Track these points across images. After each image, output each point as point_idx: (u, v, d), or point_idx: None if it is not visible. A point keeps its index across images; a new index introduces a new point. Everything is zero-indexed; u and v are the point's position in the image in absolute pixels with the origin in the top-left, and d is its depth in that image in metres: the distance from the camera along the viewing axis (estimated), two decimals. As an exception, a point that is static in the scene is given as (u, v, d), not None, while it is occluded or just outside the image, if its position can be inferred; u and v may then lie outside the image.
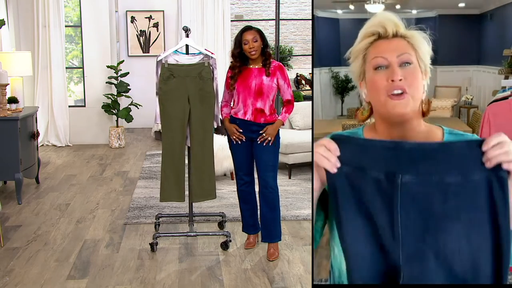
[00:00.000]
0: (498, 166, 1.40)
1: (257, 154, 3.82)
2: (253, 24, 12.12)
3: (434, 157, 1.41)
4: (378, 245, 1.46)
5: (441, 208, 1.41)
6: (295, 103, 6.92)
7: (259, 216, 3.99)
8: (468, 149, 1.41)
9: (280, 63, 3.87)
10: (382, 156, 1.44)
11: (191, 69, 3.83)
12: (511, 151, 1.40)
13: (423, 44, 1.60)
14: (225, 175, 6.05)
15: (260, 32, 3.76)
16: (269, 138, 3.75)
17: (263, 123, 3.77)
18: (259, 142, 3.77)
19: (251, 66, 3.78)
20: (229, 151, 3.98)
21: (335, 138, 1.51)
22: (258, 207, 3.98)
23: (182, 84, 3.81)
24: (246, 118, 3.78)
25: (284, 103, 3.82)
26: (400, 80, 1.55)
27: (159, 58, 3.87)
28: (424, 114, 1.61)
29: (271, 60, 3.78)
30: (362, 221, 1.46)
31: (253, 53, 3.72)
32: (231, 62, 3.89)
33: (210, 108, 3.87)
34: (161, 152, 3.95)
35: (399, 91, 1.54)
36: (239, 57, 3.77)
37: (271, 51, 3.82)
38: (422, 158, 1.41)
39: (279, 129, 3.81)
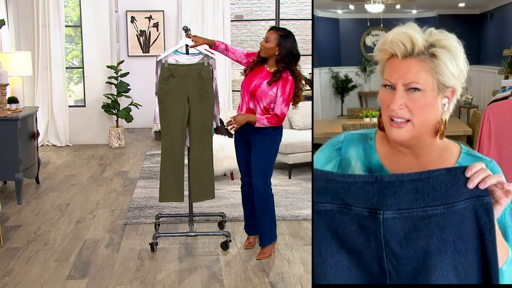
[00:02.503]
0: (482, 192, 1.36)
1: (251, 157, 3.80)
2: (253, 24, 12.14)
3: (414, 189, 1.36)
4: (366, 278, 1.41)
5: (426, 243, 1.36)
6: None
7: None
8: (449, 177, 1.36)
9: (290, 77, 3.63)
10: (364, 192, 1.39)
11: (191, 69, 3.83)
12: (493, 175, 1.37)
13: (448, 65, 1.44)
14: (225, 175, 6.05)
15: (279, 37, 3.62)
16: (235, 125, 3.67)
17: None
18: (226, 126, 3.71)
19: (265, 65, 3.73)
20: (229, 151, 3.99)
21: (324, 177, 1.44)
22: None
23: (182, 84, 3.81)
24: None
25: (272, 113, 3.66)
26: (401, 108, 1.46)
27: (159, 58, 3.87)
28: (437, 134, 1.52)
29: (285, 72, 3.62)
30: (347, 258, 1.41)
31: (260, 50, 3.70)
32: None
33: (209, 108, 3.87)
34: (160, 152, 3.95)
35: (399, 120, 1.48)
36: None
37: (296, 68, 3.63)
38: (403, 191, 1.37)
39: (280, 131, 3.76)
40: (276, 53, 3.64)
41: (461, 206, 1.35)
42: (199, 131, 3.86)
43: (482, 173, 1.36)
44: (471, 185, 1.35)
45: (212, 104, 3.88)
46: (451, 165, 1.53)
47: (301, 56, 3.72)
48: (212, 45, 3.86)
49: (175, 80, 3.80)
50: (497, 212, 1.38)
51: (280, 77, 3.61)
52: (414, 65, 1.45)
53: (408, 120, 1.47)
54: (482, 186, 1.36)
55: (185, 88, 3.81)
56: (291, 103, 3.71)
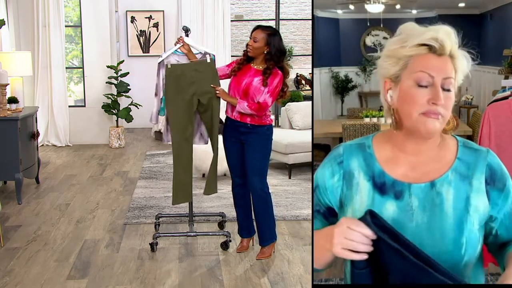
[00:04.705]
0: None
1: (245, 157, 3.79)
2: (253, 24, 12.11)
3: None
4: None
5: None
6: (295, 103, 6.96)
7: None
8: None
9: (279, 72, 3.68)
10: None
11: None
12: None
13: (464, 67, 1.54)
14: (225, 175, 6.04)
15: (267, 36, 3.64)
16: (218, 91, 3.71)
17: (249, 123, 3.71)
18: (213, 86, 3.73)
19: (252, 64, 3.74)
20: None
21: None
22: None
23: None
24: (233, 116, 3.74)
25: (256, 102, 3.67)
26: (442, 104, 1.50)
27: (159, 60, 3.85)
28: (445, 130, 1.58)
29: (274, 68, 3.66)
30: None
31: (249, 51, 3.70)
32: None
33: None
34: (160, 152, 3.95)
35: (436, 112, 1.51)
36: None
37: (284, 64, 3.68)
38: None
39: (272, 129, 3.78)
40: (265, 52, 3.66)
41: None
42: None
43: None
44: None
45: None
46: (451, 161, 1.57)
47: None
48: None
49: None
50: None
51: (271, 74, 3.65)
52: (449, 63, 1.51)
53: (443, 116, 1.51)
54: None
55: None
56: (277, 99, 3.72)
